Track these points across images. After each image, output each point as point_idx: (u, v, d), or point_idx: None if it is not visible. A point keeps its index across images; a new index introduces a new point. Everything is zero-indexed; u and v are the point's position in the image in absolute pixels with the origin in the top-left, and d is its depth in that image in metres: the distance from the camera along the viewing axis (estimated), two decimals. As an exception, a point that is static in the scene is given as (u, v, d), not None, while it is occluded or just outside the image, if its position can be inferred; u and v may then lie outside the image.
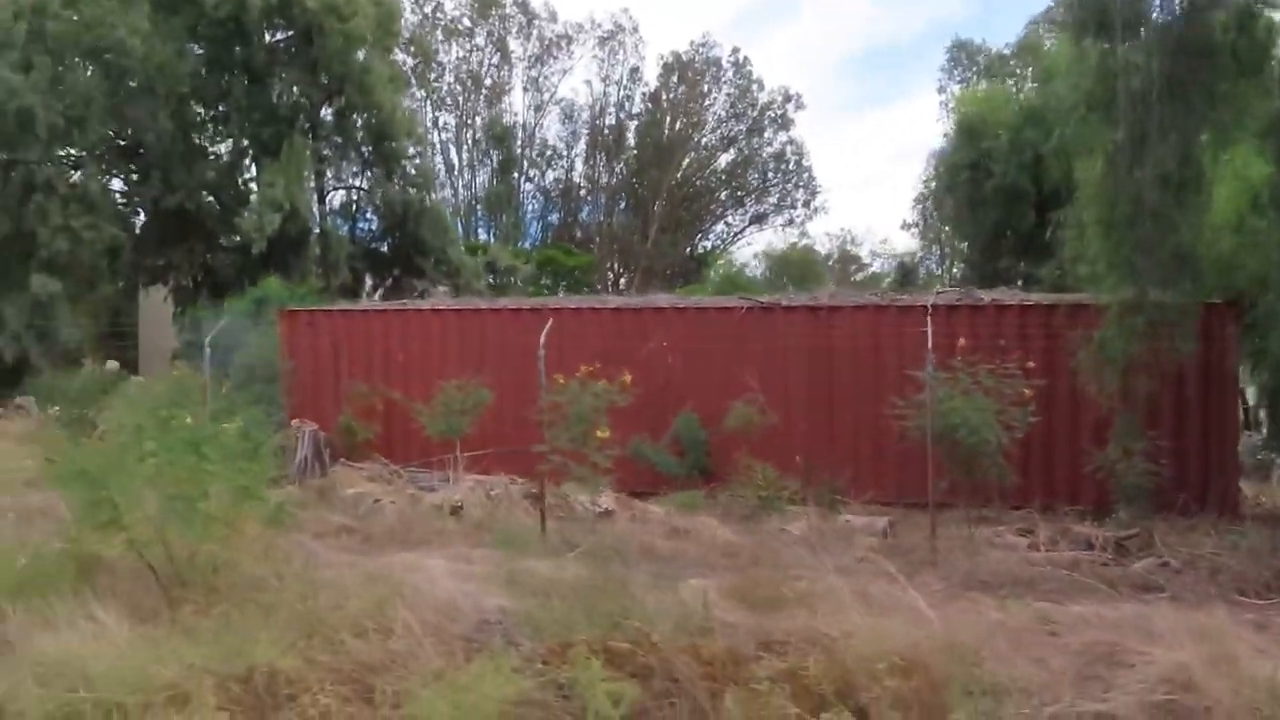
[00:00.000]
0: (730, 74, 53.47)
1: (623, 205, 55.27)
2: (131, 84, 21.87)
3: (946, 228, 48.88)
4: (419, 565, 7.57)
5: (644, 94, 55.10)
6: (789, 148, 54.24)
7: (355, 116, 23.26)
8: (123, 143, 22.94)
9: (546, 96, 53.54)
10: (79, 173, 22.20)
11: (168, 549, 6.49)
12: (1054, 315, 11.86)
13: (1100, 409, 10.59)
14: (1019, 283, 22.80)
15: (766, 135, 54.24)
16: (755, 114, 53.94)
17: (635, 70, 54.28)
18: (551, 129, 54.21)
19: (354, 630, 5.40)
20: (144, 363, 30.25)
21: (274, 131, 22.76)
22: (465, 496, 10.61)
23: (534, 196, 54.16)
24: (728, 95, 53.97)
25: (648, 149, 53.43)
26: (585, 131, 54.28)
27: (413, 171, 23.99)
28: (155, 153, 22.50)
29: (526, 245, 44.15)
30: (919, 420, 8.51)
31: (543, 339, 9.02)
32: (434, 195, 24.09)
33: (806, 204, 55.94)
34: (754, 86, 53.76)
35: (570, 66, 52.42)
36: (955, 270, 50.60)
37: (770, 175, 55.76)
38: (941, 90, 44.16)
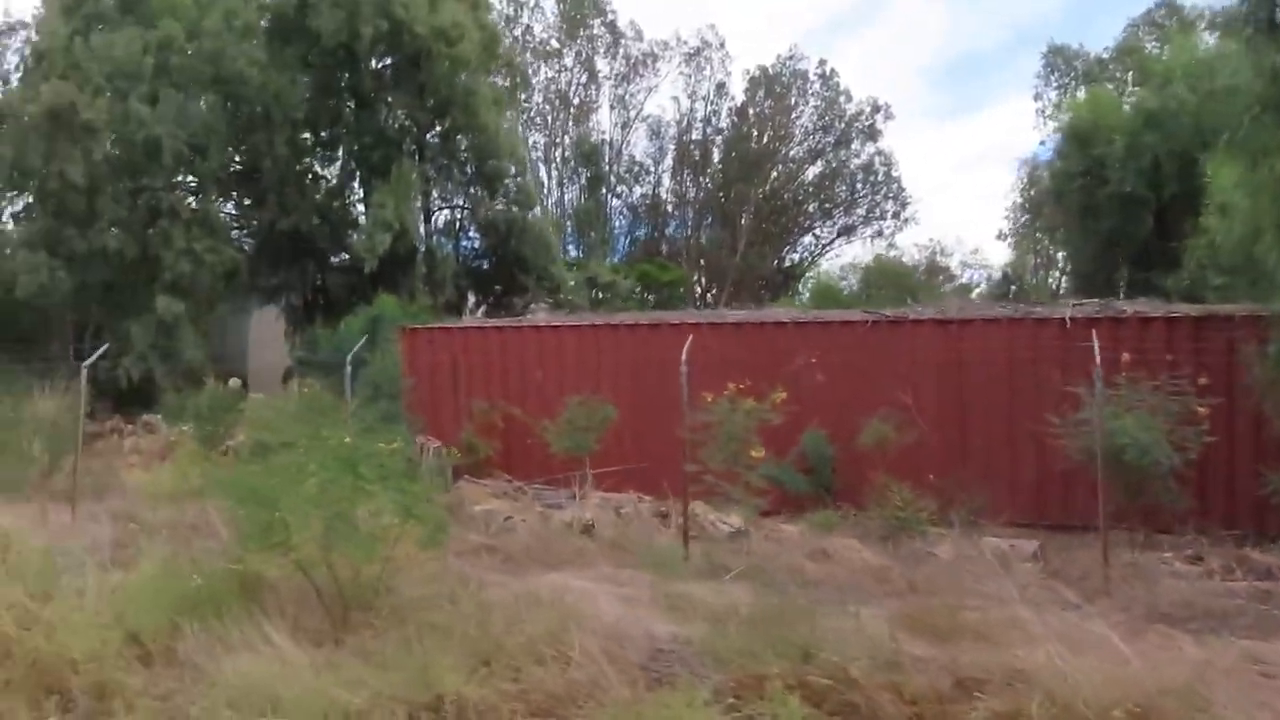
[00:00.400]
0: (817, 86, 53.19)
1: (709, 220, 55.42)
2: (248, 112, 22.67)
3: (1044, 238, 47.43)
4: (568, 586, 7.47)
5: (730, 109, 55.14)
6: (878, 159, 53.65)
7: (459, 138, 23.67)
8: (239, 168, 23.76)
9: (633, 114, 54.12)
10: (198, 197, 23.07)
11: (331, 570, 6.52)
12: (1204, 327, 11.21)
13: (1261, 426, 9.96)
14: (1121, 293, 21.85)
15: (854, 146, 53.71)
16: (843, 126, 53.47)
17: (721, 85, 54.35)
18: (638, 146, 54.66)
19: (532, 657, 5.30)
20: (252, 380, 31.23)
21: (383, 154, 23.30)
22: (595, 515, 10.51)
23: (621, 213, 54.64)
24: (815, 108, 53.64)
25: (734, 163, 53.48)
26: (672, 147, 54.75)
27: (514, 190, 24.29)
28: (270, 177, 23.27)
29: (614, 261, 44.51)
30: (1082, 439, 8.05)
31: (684, 354, 8.84)
32: (535, 213, 24.28)
33: (896, 215, 55.24)
34: (841, 98, 53.33)
35: (656, 84, 52.79)
36: (1051, 280, 49.03)
37: (859, 187, 55.16)
38: (1037, 97, 42.91)
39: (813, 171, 55.05)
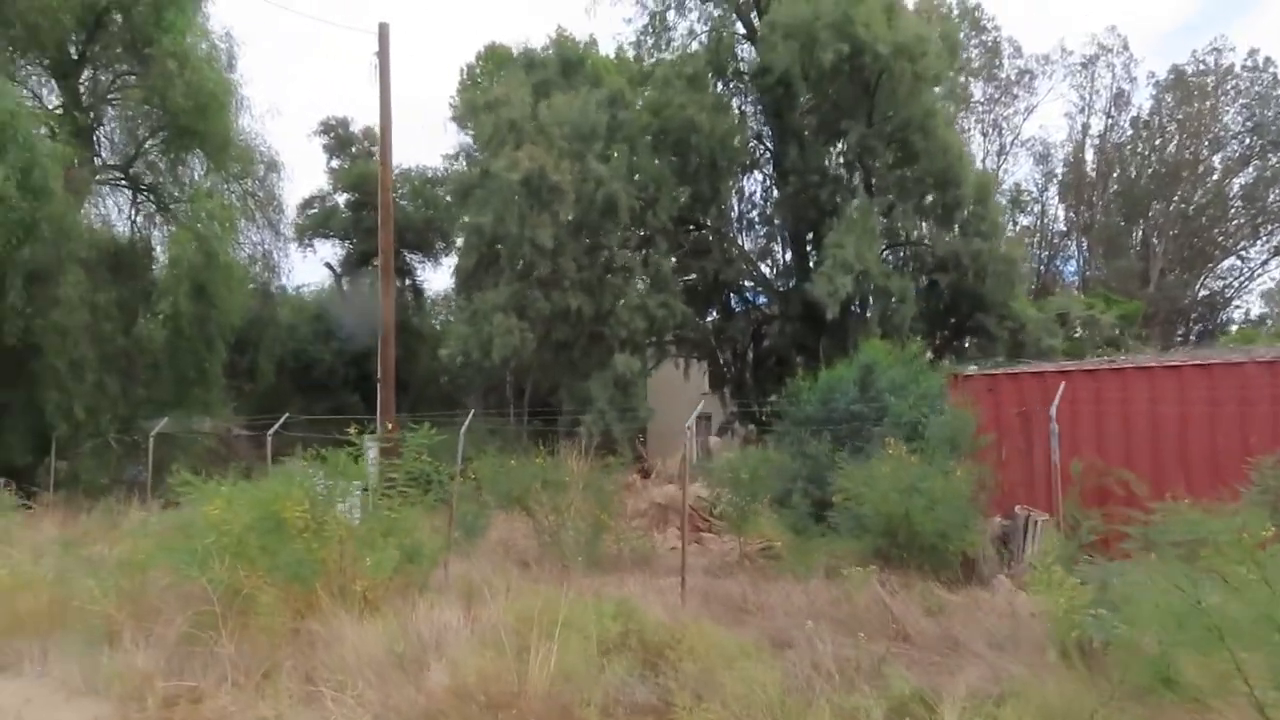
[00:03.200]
0: (1245, 81, 45.59)
1: (1104, 249, 49.32)
2: (695, 160, 22.08)
3: None
4: None
5: (1134, 119, 48.88)
6: None
7: (914, 165, 21.39)
8: (680, 218, 23.29)
9: (1009, 139, 49.86)
10: (647, 252, 22.83)
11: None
12: None
13: None
14: None
15: None
16: (1272, 126, 45.22)
17: (1121, 94, 48.36)
18: (1019, 172, 50.14)
19: None
20: (653, 439, 30.74)
21: (830, 190, 21.67)
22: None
23: (1001, 246, 49.91)
24: (1244, 105, 46.00)
25: (1142, 180, 47.24)
26: (1061, 170, 49.68)
27: (977, 218, 21.49)
28: (714, 226, 22.51)
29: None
30: None
31: None
32: (1002, 243, 21.33)
33: None
34: (1277, 91, 45.21)
35: (1035, 103, 48.15)
36: None
37: None
38: None
39: (1239, 182, 47.33)
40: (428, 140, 77.45)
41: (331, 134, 32.64)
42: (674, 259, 22.41)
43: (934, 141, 20.75)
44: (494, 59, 39.92)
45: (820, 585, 9.13)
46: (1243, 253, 48.48)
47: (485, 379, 30.52)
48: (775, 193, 23.91)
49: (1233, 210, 47.48)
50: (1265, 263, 48.82)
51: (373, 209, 30.56)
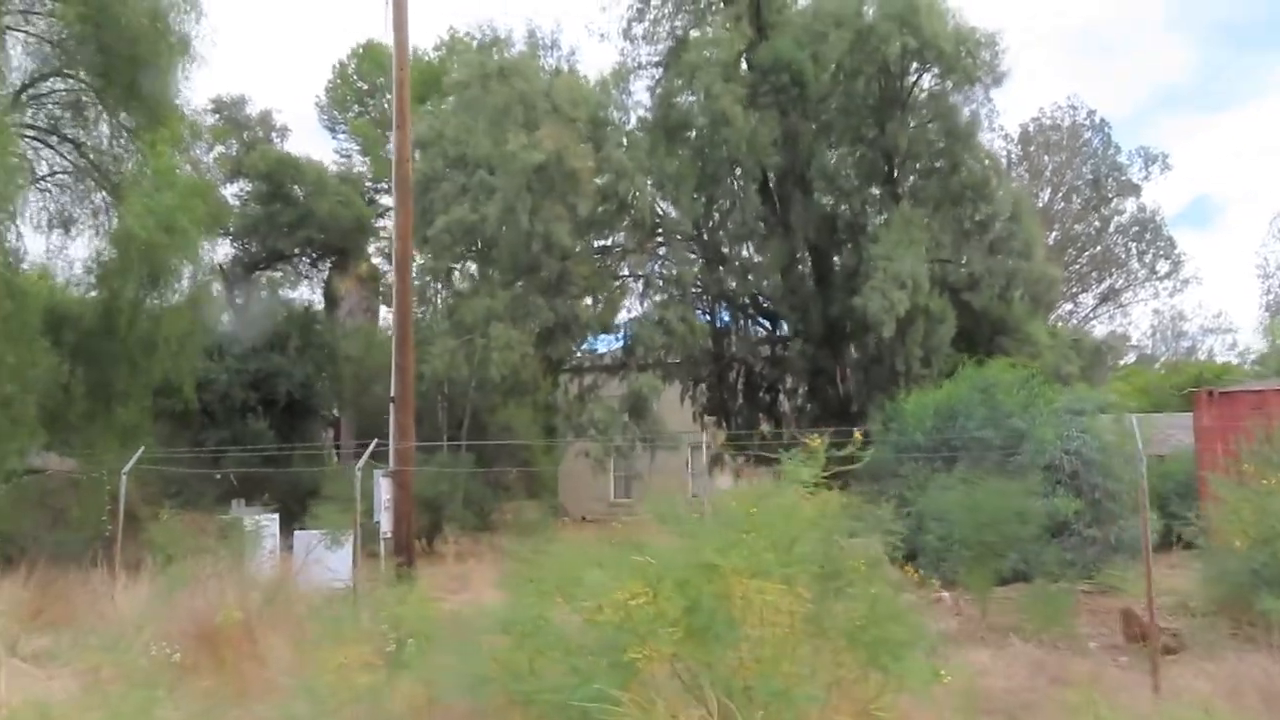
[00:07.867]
0: (1088, 136, 49.02)
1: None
2: (715, 159, 19.55)
3: None
4: None
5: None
6: (1144, 214, 48.87)
7: (955, 175, 19.81)
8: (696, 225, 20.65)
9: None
10: (664, 258, 20.02)
11: None
12: None
13: None
14: None
15: (1115, 203, 49.08)
16: (1107, 181, 49.06)
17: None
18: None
19: None
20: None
21: (860, 200, 19.82)
22: None
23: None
24: (1082, 162, 49.52)
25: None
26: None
27: (1010, 234, 20.20)
28: (737, 234, 20.06)
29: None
30: None
31: None
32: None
33: (1169, 275, 50.19)
34: (1111, 150, 49.00)
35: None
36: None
37: (1131, 246, 50.39)
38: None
39: (1074, 231, 50.81)
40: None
41: (223, 115, 27.50)
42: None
43: (974, 150, 19.39)
44: (371, 57, 36.14)
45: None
46: (1077, 299, 51.88)
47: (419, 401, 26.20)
48: (780, 201, 21.70)
49: (1068, 258, 50.70)
50: (1096, 308, 52.28)
51: (286, 203, 25.97)
